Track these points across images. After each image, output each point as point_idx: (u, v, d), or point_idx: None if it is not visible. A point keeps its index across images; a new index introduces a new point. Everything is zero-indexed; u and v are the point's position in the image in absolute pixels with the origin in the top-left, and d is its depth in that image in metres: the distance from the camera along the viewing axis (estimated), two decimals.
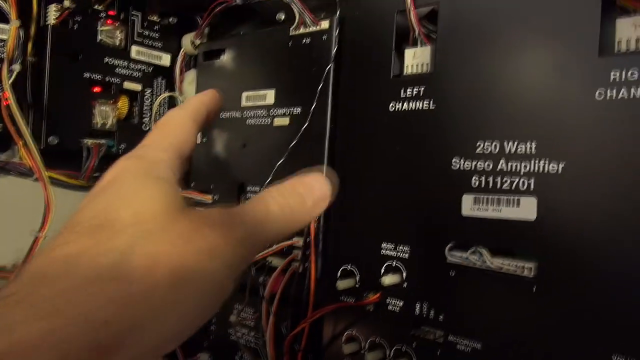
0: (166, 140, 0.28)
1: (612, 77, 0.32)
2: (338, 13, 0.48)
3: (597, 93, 0.32)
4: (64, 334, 0.18)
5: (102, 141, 0.60)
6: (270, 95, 0.54)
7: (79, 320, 0.18)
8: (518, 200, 0.36)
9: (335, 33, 0.48)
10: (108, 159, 0.62)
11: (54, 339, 0.17)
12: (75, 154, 0.58)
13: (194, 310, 0.22)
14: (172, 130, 0.29)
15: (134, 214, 0.22)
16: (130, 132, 0.63)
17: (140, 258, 0.20)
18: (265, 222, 0.25)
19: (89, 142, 0.59)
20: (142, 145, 0.28)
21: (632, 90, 0.31)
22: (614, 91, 0.32)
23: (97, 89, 0.60)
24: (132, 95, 0.63)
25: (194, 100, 0.32)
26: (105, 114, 0.60)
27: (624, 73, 0.31)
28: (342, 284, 0.44)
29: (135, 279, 0.20)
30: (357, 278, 0.45)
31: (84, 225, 0.22)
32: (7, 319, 0.17)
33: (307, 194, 0.27)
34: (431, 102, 0.41)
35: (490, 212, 0.37)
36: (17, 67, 0.53)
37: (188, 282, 0.21)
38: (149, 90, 0.64)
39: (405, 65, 0.43)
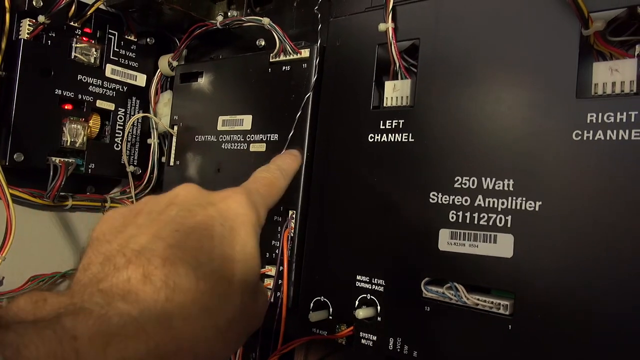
0: None
1: (589, 119, 0.33)
2: (319, 42, 0.48)
3: (574, 134, 0.33)
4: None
5: (71, 160, 0.58)
6: (247, 121, 0.53)
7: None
8: (495, 237, 0.36)
9: (316, 62, 0.48)
10: (75, 178, 0.60)
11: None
12: (42, 172, 0.56)
13: None
14: None
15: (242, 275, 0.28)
16: (100, 152, 0.61)
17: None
18: None
19: (56, 160, 0.57)
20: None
21: (609, 132, 0.32)
22: (591, 133, 0.32)
23: (68, 106, 0.58)
24: (105, 114, 0.62)
25: None
26: (75, 132, 0.58)
27: (600, 115, 0.32)
28: (314, 316, 0.43)
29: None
30: (331, 310, 0.44)
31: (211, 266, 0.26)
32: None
33: None
34: (410, 135, 0.41)
35: (467, 247, 0.37)
36: None
37: None
38: (122, 110, 0.63)
39: (385, 97, 0.43)
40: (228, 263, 0.27)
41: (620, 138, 0.31)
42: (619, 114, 0.32)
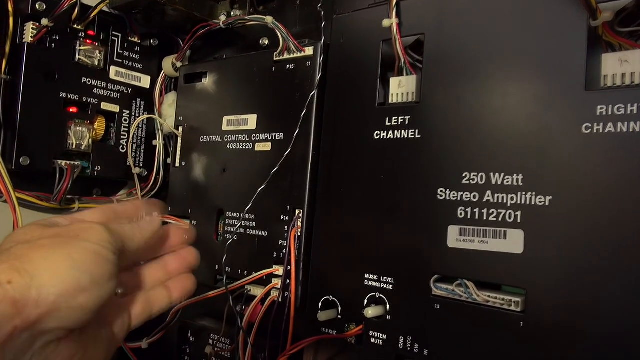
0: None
1: (599, 112, 0.32)
2: (323, 40, 0.48)
3: (584, 127, 0.33)
4: None
5: (77, 162, 0.58)
6: (252, 120, 0.53)
7: None
8: (505, 233, 0.35)
9: (320, 60, 0.48)
10: (82, 181, 0.60)
11: None
12: (48, 175, 0.56)
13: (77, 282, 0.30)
14: None
15: None
16: (106, 154, 0.61)
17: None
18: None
19: (62, 163, 0.57)
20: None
21: (619, 124, 0.31)
22: (601, 125, 0.32)
23: (73, 109, 0.58)
24: (110, 117, 0.62)
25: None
26: (81, 135, 0.58)
27: (610, 108, 0.32)
28: (323, 315, 0.43)
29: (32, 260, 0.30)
30: (339, 309, 0.43)
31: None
32: None
33: None
34: (417, 131, 0.40)
35: (476, 244, 0.36)
36: None
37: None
38: (127, 112, 0.63)
39: (391, 93, 0.43)
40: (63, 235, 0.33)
41: (631, 130, 0.31)
42: (629, 105, 0.31)
